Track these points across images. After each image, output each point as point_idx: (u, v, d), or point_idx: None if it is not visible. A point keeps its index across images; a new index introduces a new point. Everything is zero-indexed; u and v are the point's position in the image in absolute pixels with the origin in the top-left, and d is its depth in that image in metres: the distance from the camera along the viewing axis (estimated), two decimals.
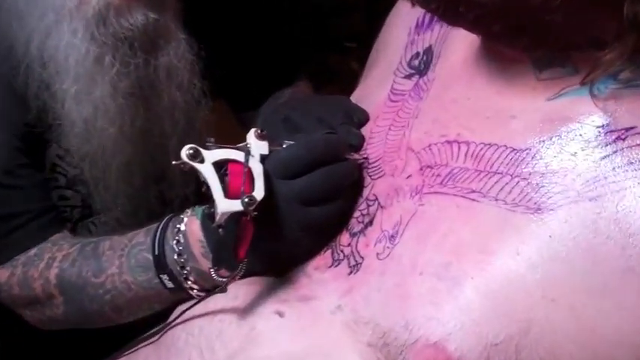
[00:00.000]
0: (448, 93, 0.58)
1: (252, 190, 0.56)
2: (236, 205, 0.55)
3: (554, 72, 0.51)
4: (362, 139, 0.65)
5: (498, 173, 0.51)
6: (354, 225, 0.60)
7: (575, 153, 0.49)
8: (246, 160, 0.57)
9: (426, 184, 0.55)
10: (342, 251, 0.59)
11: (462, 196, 0.52)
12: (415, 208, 0.55)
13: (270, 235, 0.59)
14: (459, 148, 0.54)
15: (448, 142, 0.56)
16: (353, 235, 0.59)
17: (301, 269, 0.60)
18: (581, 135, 0.49)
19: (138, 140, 0.83)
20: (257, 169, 0.57)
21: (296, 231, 0.59)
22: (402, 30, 0.69)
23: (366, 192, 0.61)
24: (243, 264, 0.59)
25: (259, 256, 0.60)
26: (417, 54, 0.66)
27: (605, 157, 0.48)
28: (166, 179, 0.89)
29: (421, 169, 0.57)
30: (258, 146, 0.59)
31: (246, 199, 0.55)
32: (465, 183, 0.53)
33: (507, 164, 0.51)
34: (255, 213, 0.56)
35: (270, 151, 0.59)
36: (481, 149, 0.53)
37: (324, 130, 0.64)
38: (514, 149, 0.51)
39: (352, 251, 0.58)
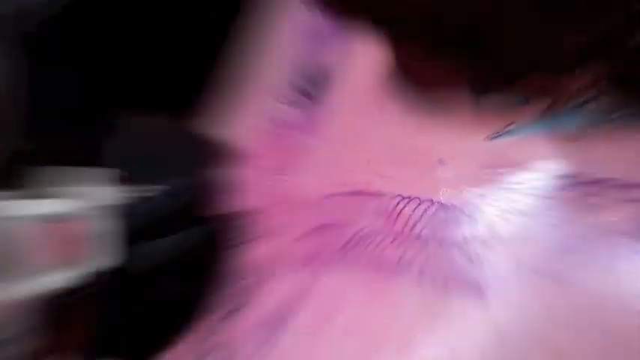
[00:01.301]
0: (352, 126, 0.45)
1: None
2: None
3: (498, 100, 0.39)
4: (232, 186, 0.51)
5: (422, 238, 0.38)
6: (223, 304, 0.45)
7: (528, 212, 0.36)
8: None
9: (323, 249, 0.42)
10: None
11: (372, 270, 0.39)
12: (307, 285, 0.41)
13: None
14: (368, 201, 0.41)
15: (353, 192, 0.42)
16: (221, 318, 0.44)
17: None
18: (536, 187, 0.37)
19: None
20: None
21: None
22: (285, 35, 0.56)
23: (239, 257, 0.46)
24: None
25: None
26: (306, 73, 0.52)
27: (571, 219, 0.35)
28: None
29: (316, 228, 0.43)
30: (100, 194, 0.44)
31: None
32: (376, 250, 0.39)
33: (435, 226, 0.38)
34: None
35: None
36: (398, 204, 0.40)
37: (181, 177, 0.50)
38: (443, 205, 0.39)
39: (221, 341, 0.43)
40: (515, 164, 0.37)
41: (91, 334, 0.44)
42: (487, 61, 0.37)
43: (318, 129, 0.47)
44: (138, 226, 0.45)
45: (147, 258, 0.45)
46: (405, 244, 0.38)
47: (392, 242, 0.39)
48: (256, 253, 0.45)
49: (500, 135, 0.39)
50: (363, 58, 0.47)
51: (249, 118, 0.54)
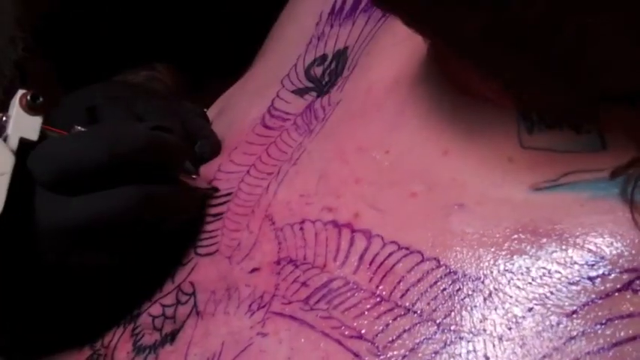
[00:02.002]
0: (355, 133, 0.33)
1: None
2: None
3: (559, 138, 0.27)
4: (217, 148, 0.41)
5: (414, 312, 0.27)
6: (146, 331, 0.34)
7: (575, 312, 0.25)
8: None
9: (280, 294, 0.31)
10: None
11: (336, 341, 0.28)
12: (249, 338, 0.30)
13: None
14: (352, 241, 0.30)
15: (335, 224, 0.31)
16: (138, 349, 0.34)
17: None
18: (590, 279, 0.25)
19: None
20: (3, 161, 0.32)
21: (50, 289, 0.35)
22: (308, 13, 0.44)
23: (181, 274, 0.36)
24: None
25: None
26: (324, 57, 0.41)
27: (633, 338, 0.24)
28: None
29: (278, 262, 0.32)
30: (21, 122, 0.34)
31: None
32: (347, 315, 0.28)
33: (434, 299, 0.27)
34: None
35: (43, 137, 0.34)
36: (391, 255, 0.29)
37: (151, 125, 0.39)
38: (451, 272, 0.27)
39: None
40: (565, 238, 0.26)
41: None
42: (561, 75, 0.24)
43: (316, 128, 0.36)
44: (60, 171, 0.32)
45: (66, 216, 0.32)
46: (387, 316, 0.27)
47: (371, 309, 0.27)
48: (205, 272, 0.34)
49: (551, 187, 0.27)
50: (392, 47, 0.36)
51: (248, 101, 0.43)
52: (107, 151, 0.32)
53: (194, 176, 0.39)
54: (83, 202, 0.32)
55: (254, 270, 0.32)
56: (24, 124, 0.34)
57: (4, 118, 0.34)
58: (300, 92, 0.40)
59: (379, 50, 0.36)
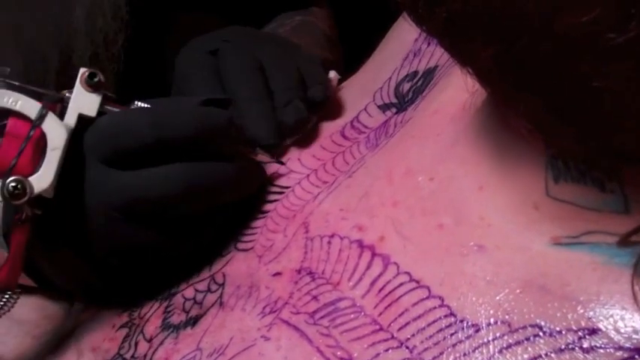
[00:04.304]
0: (408, 154, 0.33)
1: (35, 169, 0.34)
2: None
3: (583, 193, 0.26)
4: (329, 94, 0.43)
5: (406, 347, 0.27)
6: (176, 311, 0.36)
7: None
8: (39, 118, 0.34)
9: (292, 303, 0.31)
10: (136, 344, 0.35)
11: None
12: (253, 339, 0.31)
13: (58, 255, 0.37)
14: (370, 264, 0.30)
15: (360, 244, 0.31)
16: (165, 326, 0.35)
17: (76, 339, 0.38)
18: (582, 349, 0.23)
19: None
20: (57, 136, 0.34)
21: (102, 258, 0.37)
22: (410, 28, 0.44)
23: (218, 264, 0.37)
24: (12, 296, 0.37)
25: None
26: (415, 74, 0.41)
27: None
28: None
29: (299, 271, 0.32)
30: (80, 99, 0.36)
31: (12, 184, 0.33)
32: (344, 336, 0.28)
33: (428, 339, 0.26)
34: (38, 212, 0.34)
35: (102, 113, 0.36)
36: (401, 286, 0.28)
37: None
38: (451, 314, 0.26)
39: (146, 354, 0.34)
40: (569, 303, 0.24)
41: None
42: (573, 124, 0.23)
43: (382, 144, 0.36)
44: (110, 146, 0.35)
45: (113, 188, 0.35)
46: (381, 345, 0.27)
47: (369, 335, 0.27)
48: (236, 266, 0.35)
49: (570, 244, 0.25)
50: (458, 81, 0.35)
51: (342, 109, 0.44)
52: (152, 132, 0.34)
53: (257, 151, 0.40)
54: (129, 177, 0.34)
55: (277, 274, 0.32)
56: (83, 101, 0.36)
57: (67, 95, 0.36)
58: (384, 107, 0.40)
59: (459, 72, 0.36)
